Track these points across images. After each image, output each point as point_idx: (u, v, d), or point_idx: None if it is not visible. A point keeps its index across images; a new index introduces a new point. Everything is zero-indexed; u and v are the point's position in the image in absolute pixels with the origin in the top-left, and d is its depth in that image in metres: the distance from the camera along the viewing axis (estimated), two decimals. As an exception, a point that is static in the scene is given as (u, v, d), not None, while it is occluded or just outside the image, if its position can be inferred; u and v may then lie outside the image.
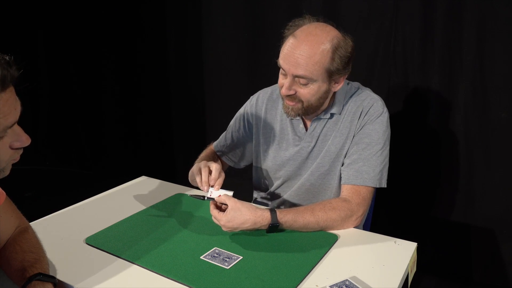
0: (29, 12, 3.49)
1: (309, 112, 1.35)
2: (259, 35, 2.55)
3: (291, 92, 1.29)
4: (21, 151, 0.87)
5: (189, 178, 1.43)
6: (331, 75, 1.27)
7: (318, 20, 1.31)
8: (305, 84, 1.27)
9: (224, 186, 1.24)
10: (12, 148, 0.84)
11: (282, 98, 1.36)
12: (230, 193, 1.22)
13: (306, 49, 1.23)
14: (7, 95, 0.78)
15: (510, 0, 1.84)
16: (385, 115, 1.37)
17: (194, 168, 1.31)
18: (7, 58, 0.78)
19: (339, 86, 1.33)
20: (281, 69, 1.31)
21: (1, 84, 0.76)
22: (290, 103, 1.32)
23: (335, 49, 1.25)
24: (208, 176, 1.23)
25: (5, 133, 0.81)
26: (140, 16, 3.13)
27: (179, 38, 2.96)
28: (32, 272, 0.94)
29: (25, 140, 0.85)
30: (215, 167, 1.25)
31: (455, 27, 1.98)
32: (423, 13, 2.03)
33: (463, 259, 2.20)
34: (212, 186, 1.23)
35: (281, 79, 1.32)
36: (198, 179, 1.25)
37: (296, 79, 1.27)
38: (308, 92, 1.28)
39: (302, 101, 1.30)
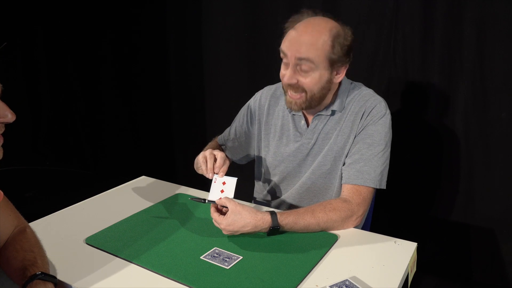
0: (28, 11, 3.49)
1: (312, 104, 1.35)
2: (259, 35, 2.56)
3: (294, 81, 1.29)
4: (3, 128, 0.86)
5: (194, 166, 1.44)
6: (332, 64, 1.29)
7: (316, 14, 1.33)
8: (307, 72, 1.27)
9: None
10: None
11: (285, 93, 1.37)
12: (234, 180, 1.26)
13: (308, 37, 1.25)
14: None
15: (510, 0, 1.84)
16: (388, 117, 1.37)
17: (199, 156, 1.34)
18: None
19: (340, 77, 1.34)
20: (283, 60, 1.32)
21: None
22: (294, 96, 1.32)
23: (335, 37, 1.27)
24: (214, 164, 1.27)
25: None
26: (140, 16, 3.13)
27: (179, 38, 2.96)
28: (33, 271, 0.94)
29: (10, 116, 0.84)
30: (220, 155, 1.29)
31: (455, 27, 1.98)
32: (423, 13, 2.03)
33: (463, 259, 2.20)
34: (216, 174, 1.27)
35: (283, 69, 1.33)
36: (203, 167, 1.29)
37: (298, 67, 1.28)
38: (310, 81, 1.28)
39: (305, 91, 1.30)
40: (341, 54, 1.28)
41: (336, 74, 1.33)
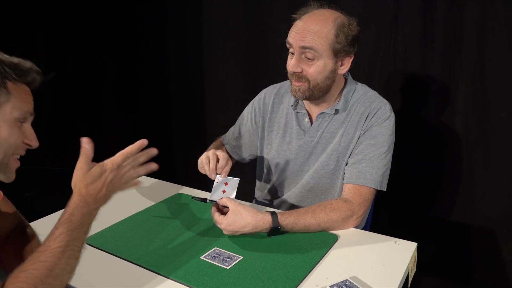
0: (28, 11, 3.48)
1: (316, 94, 1.35)
2: (259, 35, 2.56)
3: (298, 70, 1.31)
4: (24, 152, 0.94)
5: (198, 166, 1.45)
6: (336, 53, 1.30)
7: (322, 6, 1.36)
8: (311, 60, 1.29)
9: None
10: (23, 142, 0.92)
11: (290, 82, 1.38)
12: (237, 180, 1.26)
13: (312, 26, 1.28)
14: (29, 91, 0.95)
15: (510, 0, 1.84)
16: (392, 120, 1.38)
17: (202, 157, 1.34)
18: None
19: (345, 68, 1.36)
20: (289, 50, 1.34)
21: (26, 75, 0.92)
22: (297, 84, 1.34)
23: (339, 27, 1.29)
24: (216, 164, 1.28)
25: (24, 122, 0.93)
26: (140, 16, 3.13)
27: (179, 38, 2.96)
28: None
29: (35, 142, 0.94)
30: (222, 155, 1.29)
31: (455, 27, 1.98)
32: (423, 13, 2.03)
33: (463, 259, 2.20)
34: (219, 174, 1.27)
35: (289, 60, 1.35)
36: (206, 167, 1.29)
37: (303, 56, 1.30)
38: (314, 70, 1.30)
39: (308, 80, 1.32)
40: (345, 43, 1.30)
41: (341, 65, 1.34)
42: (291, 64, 1.32)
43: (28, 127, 0.94)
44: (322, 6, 1.35)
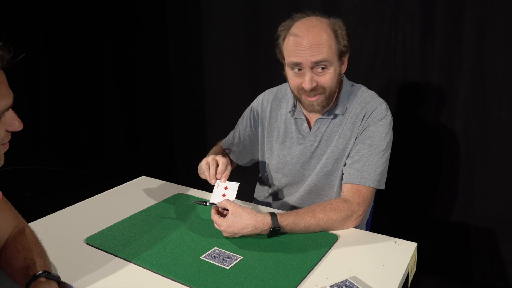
0: (28, 11, 3.49)
1: (329, 100, 1.37)
2: (259, 35, 2.56)
3: (314, 84, 1.30)
4: (10, 136, 0.88)
5: (198, 172, 1.45)
6: (340, 55, 1.33)
7: (307, 15, 1.35)
8: (323, 70, 1.30)
9: None
10: (6, 131, 0.85)
11: (298, 98, 1.38)
12: (236, 184, 1.27)
13: (315, 39, 1.27)
14: (2, 76, 0.82)
15: (510, 0, 1.84)
16: (388, 119, 1.38)
17: (202, 163, 1.35)
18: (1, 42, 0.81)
19: (345, 67, 1.38)
20: (291, 70, 1.32)
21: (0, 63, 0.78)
22: (312, 99, 1.33)
23: (335, 30, 1.31)
24: (216, 170, 1.29)
25: (3, 114, 0.83)
26: (140, 16, 3.13)
27: (179, 38, 2.96)
28: (35, 270, 0.94)
29: (18, 124, 0.86)
30: (222, 161, 1.30)
31: (455, 27, 1.98)
32: (423, 13, 2.03)
33: (463, 259, 2.20)
34: (219, 179, 1.28)
35: (295, 79, 1.33)
36: (206, 173, 1.30)
37: (314, 69, 1.29)
38: (329, 78, 1.31)
39: (325, 90, 1.32)
40: (345, 43, 1.32)
41: (342, 64, 1.36)
42: (307, 81, 1.29)
43: (8, 114, 0.84)
44: (307, 15, 1.34)
